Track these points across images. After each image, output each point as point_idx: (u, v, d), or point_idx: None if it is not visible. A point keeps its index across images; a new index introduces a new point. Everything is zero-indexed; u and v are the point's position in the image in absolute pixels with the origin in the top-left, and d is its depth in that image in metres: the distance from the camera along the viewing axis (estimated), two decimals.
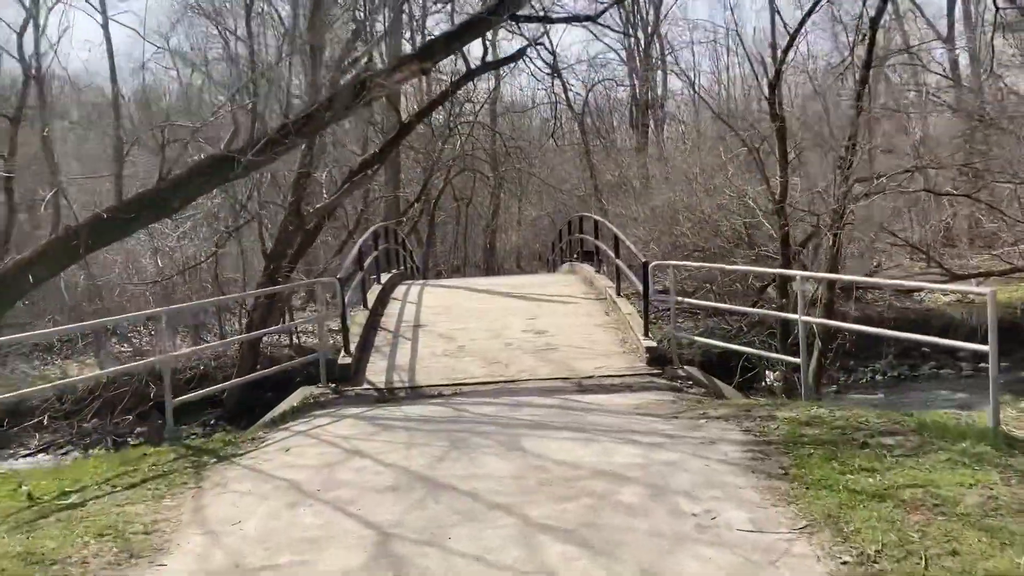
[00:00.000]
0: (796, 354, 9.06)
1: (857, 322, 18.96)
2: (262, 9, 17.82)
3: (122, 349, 21.71)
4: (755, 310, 12.75)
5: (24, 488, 6.16)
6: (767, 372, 12.84)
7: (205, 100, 13.30)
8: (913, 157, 19.41)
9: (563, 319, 12.18)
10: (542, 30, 27.19)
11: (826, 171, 15.86)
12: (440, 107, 28.28)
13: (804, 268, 15.04)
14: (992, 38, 15.72)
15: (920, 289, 20.46)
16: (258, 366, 17.94)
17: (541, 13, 15.65)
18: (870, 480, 5.34)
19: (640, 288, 10.58)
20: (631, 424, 7.26)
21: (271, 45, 15.48)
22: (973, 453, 5.66)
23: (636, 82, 34.81)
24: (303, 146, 17.89)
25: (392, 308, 13.47)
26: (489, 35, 29.36)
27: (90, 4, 17.21)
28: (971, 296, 19.88)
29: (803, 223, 16.28)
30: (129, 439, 17.01)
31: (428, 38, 18.07)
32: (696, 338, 11.69)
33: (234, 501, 5.74)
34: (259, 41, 15.42)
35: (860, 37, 13.69)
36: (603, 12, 17.25)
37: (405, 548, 4.80)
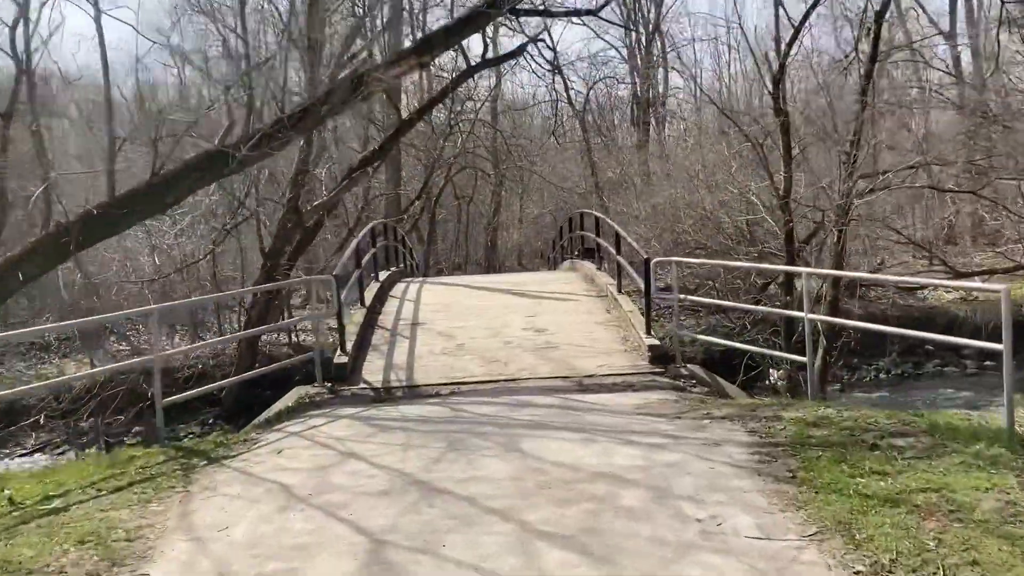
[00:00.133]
0: (800, 352, 8.88)
1: (861, 320, 18.77)
2: (262, 6, 17.72)
3: (120, 347, 21.56)
4: (759, 308, 12.54)
5: (6, 493, 5.97)
6: (771, 370, 12.64)
7: (201, 95, 13.09)
8: (916, 154, 19.21)
9: (564, 317, 11.99)
10: (542, 26, 26.87)
11: (830, 167, 15.67)
12: (441, 105, 28.10)
13: (808, 265, 14.85)
14: (998, 33, 15.49)
15: (928, 286, 20.25)
16: (256, 364, 17.82)
17: (541, 7, 15.44)
18: (881, 484, 5.14)
19: (642, 285, 10.39)
20: (633, 424, 7.07)
21: (270, 43, 15.35)
22: (988, 455, 5.47)
23: (637, 79, 34.61)
24: (301, 142, 17.78)
25: (390, 306, 13.27)
26: (490, 33, 29.26)
27: None
28: (976, 294, 19.76)
29: (806, 220, 16.09)
30: (125, 438, 16.90)
31: (427, 33, 17.84)
32: (699, 336, 11.50)
33: (223, 505, 5.55)
34: (259, 38, 15.33)
35: (865, 31, 13.48)
36: (603, 6, 17.00)
37: (398, 555, 4.61)
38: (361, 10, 19.97)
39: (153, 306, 8.16)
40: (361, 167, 18.68)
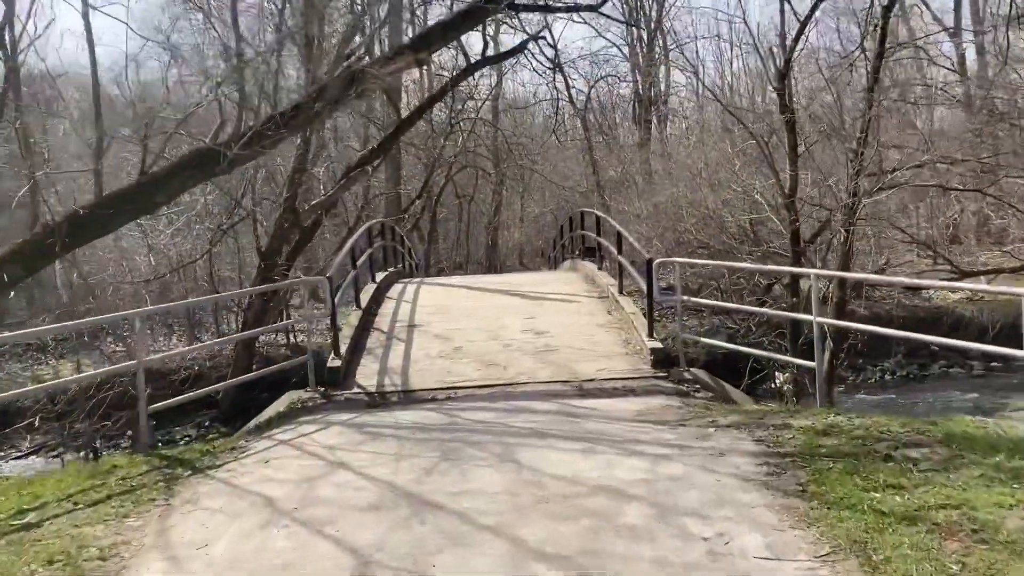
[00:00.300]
0: (807, 355, 8.61)
1: (866, 320, 18.52)
2: (262, 4, 17.44)
3: (116, 349, 21.35)
4: (766, 310, 12.23)
5: None
6: (776, 373, 12.36)
7: (196, 93, 12.81)
8: (922, 152, 18.92)
9: (564, 318, 11.71)
10: (543, 24, 26.61)
11: (835, 165, 15.38)
12: (442, 103, 27.85)
13: (812, 265, 14.56)
14: (1007, 29, 15.19)
15: (943, 289, 19.89)
16: (253, 365, 17.57)
17: (541, 2, 15.16)
18: (897, 499, 4.87)
19: (643, 286, 10.12)
20: (635, 433, 6.80)
21: (269, 41, 15.05)
22: (1009, 468, 5.19)
23: (639, 77, 34.32)
24: (298, 141, 17.51)
25: (387, 307, 13.00)
26: (490, 31, 28.98)
27: None
28: (982, 294, 19.48)
29: (810, 219, 15.81)
30: (121, 441, 16.68)
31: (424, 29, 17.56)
32: (703, 339, 11.19)
33: (204, 520, 5.28)
34: (259, 37, 15.03)
35: (872, 27, 13.19)
36: (604, 2, 16.73)
37: None
38: (360, 7, 19.73)
39: (134, 311, 7.89)
40: (359, 166, 18.41)
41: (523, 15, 27.18)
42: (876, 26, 12.68)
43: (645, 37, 34.51)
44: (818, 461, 5.69)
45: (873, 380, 19.19)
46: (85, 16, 10.48)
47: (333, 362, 9.54)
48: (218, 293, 18.65)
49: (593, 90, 34.75)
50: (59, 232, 8.95)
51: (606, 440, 6.58)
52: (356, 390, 9.07)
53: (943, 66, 26.04)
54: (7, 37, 11.71)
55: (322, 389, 9.14)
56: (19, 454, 16.60)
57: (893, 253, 22.24)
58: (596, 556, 4.43)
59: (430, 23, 22.41)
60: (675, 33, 36.05)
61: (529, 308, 12.54)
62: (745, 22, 25.09)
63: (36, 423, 16.68)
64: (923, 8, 29.80)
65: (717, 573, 4.18)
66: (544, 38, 24.91)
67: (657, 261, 9.95)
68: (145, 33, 13.51)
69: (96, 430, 14.00)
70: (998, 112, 19.05)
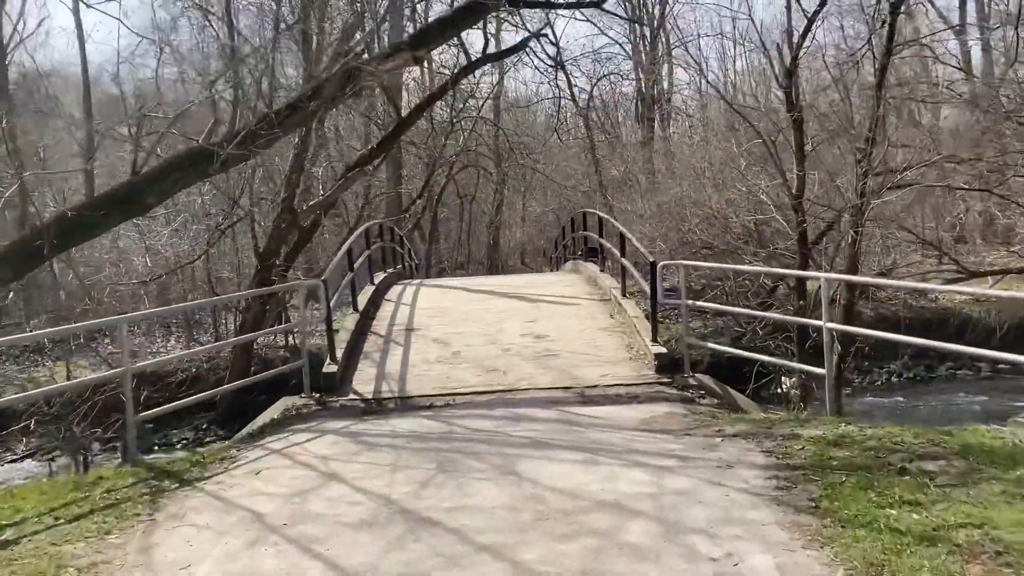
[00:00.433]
0: (813, 357, 8.37)
1: (873, 322, 18.31)
2: (261, 3, 17.21)
3: (113, 351, 21.15)
4: (773, 315, 11.93)
5: None
6: (783, 378, 12.11)
7: (189, 91, 12.58)
8: (928, 151, 18.66)
9: (565, 322, 11.47)
10: (545, 21, 26.37)
11: (843, 165, 15.13)
12: (443, 103, 27.61)
13: (819, 266, 14.31)
14: (1017, 27, 14.91)
15: (956, 293, 19.58)
16: (252, 368, 17.35)
17: None
18: (915, 517, 4.63)
19: (646, 288, 9.88)
20: (639, 443, 6.57)
21: (266, 38, 14.81)
22: None
23: (641, 76, 34.06)
24: (296, 140, 17.28)
25: (385, 310, 12.77)
26: (492, 29, 28.72)
27: None
28: (989, 294, 19.19)
29: (816, 219, 15.56)
30: (117, 444, 16.48)
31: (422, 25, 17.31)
32: (710, 344, 10.94)
33: (189, 538, 5.05)
34: (258, 35, 14.80)
35: (879, 23, 12.93)
36: None
37: None
38: (359, 5, 19.47)
39: (120, 316, 7.67)
40: (359, 165, 18.16)
41: (525, 13, 27.08)
42: (884, 22, 12.42)
43: (648, 35, 34.26)
44: (830, 474, 5.46)
45: (879, 382, 18.97)
46: (76, 12, 10.26)
47: (329, 367, 9.31)
48: (216, 294, 18.43)
49: (595, 88, 34.55)
50: (47, 234, 8.72)
51: (609, 450, 6.35)
52: (352, 396, 8.85)
53: (949, 64, 25.74)
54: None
55: (317, 395, 8.92)
56: (14, 457, 16.40)
57: (899, 253, 22.00)
58: None
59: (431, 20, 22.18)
60: (679, 30, 35.79)
61: (530, 311, 12.30)
62: (751, 18, 24.87)
63: (31, 426, 16.50)
64: (928, 6, 29.52)
65: None
66: (546, 36, 24.60)
67: (662, 264, 9.70)
68: (139, 31, 13.25)
69: (91, 434, 13.74)
70: (1005, 110, 18.80)
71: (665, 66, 34.76)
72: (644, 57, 33.99)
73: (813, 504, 5.00)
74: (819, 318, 7.89)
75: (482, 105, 31.14)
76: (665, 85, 34.99)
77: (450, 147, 29.41)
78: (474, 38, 28.35)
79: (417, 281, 17.26)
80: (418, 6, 25.60)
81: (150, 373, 17.10)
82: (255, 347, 18.64)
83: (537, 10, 26.75)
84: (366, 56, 12.06)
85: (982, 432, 6.29)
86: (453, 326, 11.52)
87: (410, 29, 22.70)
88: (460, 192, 32.82)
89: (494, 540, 4.74)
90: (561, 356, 9.74)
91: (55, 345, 21.52)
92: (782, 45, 13.44)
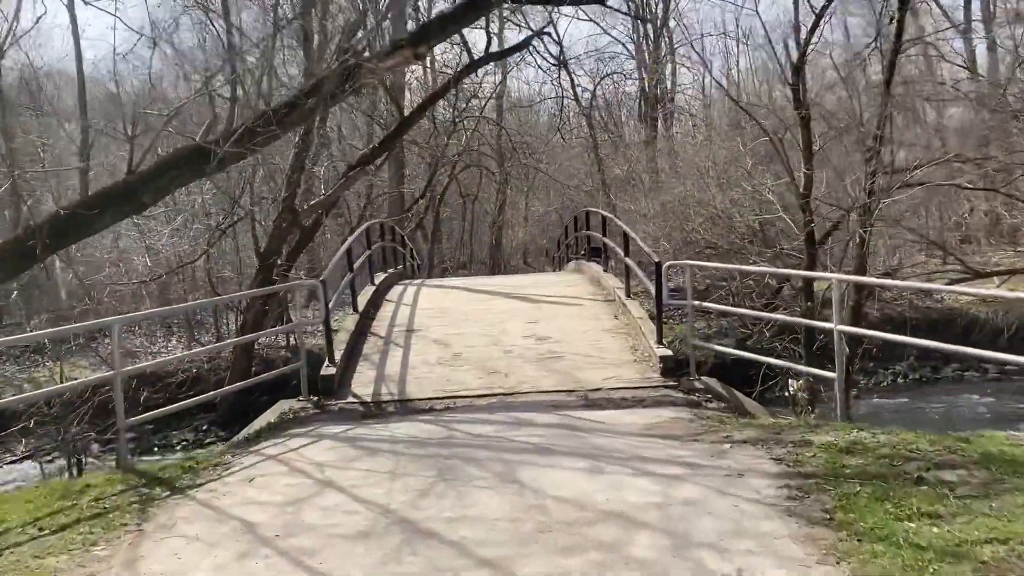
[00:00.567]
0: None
1: (879, 323, 18.07)
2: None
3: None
4: (781, 316, 11.67)
5: None
6: (790, 380, 11.90)
7: (188, 88, 12.37)
8: (933, 150, 18.45)
9: (568, 323, 11.26)
10: (548, 19, 26.18)
11: (848, 164, 14.90)
12: (445, 102, 27.42)
13: (825, 267, 14.09)
14: None
15: (966, 293, 19.34)
16: (252, 368, 17.17)
17: None
18: (935, 531, 4.43)
19: (650, 288, 9.68)
20: (645, 449, 6.37)
21: (265, 34, 14.59)
22: None
23: (645, 75, 33.83)
24: (297, 139, 17.10)
25: (385, 311, 12.57)
26: (494, 28, 28.48)
27: None
28: (997, 294, 18.96)
29: (821, 219, 15.34)
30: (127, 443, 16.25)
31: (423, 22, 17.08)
32: (716, 347, 10.72)
33: (177, 550, 4.86)
34: (259, 31, 14.57)
35: (888, 19, 12.71)
36: None
37: None
38: (361, 2, 19.26)
39: (112, 318, 7.47)
40: (361, 165, 17.96)
41: (528, 12, 26.91)
42: (892, 19, 12.20)
43: (651, 34, 34.03)
44: (843, 484, 5.26)
45: (885, 383, 18.75)
46: (70, 8, 10.04)
47: (327, 370, 9.12)
48: (217, 294, 18.26)
49: (598, 88, 34.32)
50: (40, 233, 8.53)
51: (614, 457, 6.15)
52: (351, 399, 8.66)
53: (954, 63, 25.52)
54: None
55: (315, 398, 8.73)
56: (13, 458, 16.21)
57: (903, 254, 21.78)
58: None
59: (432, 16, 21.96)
60: (685, 28, 35.56)
61: (532, 312, 12.10)
62: (756, 12, 24.51)
63: (31, 427, 16.33)
64: (932, 4, 29.26)
65: None
66: (549, 34, 24.46)
67: (667, 264, 9.49)
68: (136, 26, 12.99)
69: (89, 435, 13.54)
70: (1011, 110, 18.59)
71: (668, 65, 34.52)
72: (647, 56, 33.76)
73: (827, 516, 4.80)
74: (828, 319, 7.68)
75: (485, 104, 30.96)
76: (668, 85, 34.77)
77: (453, 147, 29.24)
78: (477, 37, 28.24)
79: (418, 281, 17.06)
80: (420, 3, 25.36)
81: (150, 374, 16.94)
82: (256, 347, 18.48)
83: (540, 9, 26.65)
84: (367, 53, 11.83)
85: (1000, 439, 6.08)
86: (454, 327, 11.33)
87: (412, 27, 22.48)
88: (463, 192, 32.65)
89: (495, 553, 4.55)
90: (564, 358, 9.55)
91: (55, 345, 21.43)
92: (789, 41, 13.22)
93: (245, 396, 14.18)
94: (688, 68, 35.27)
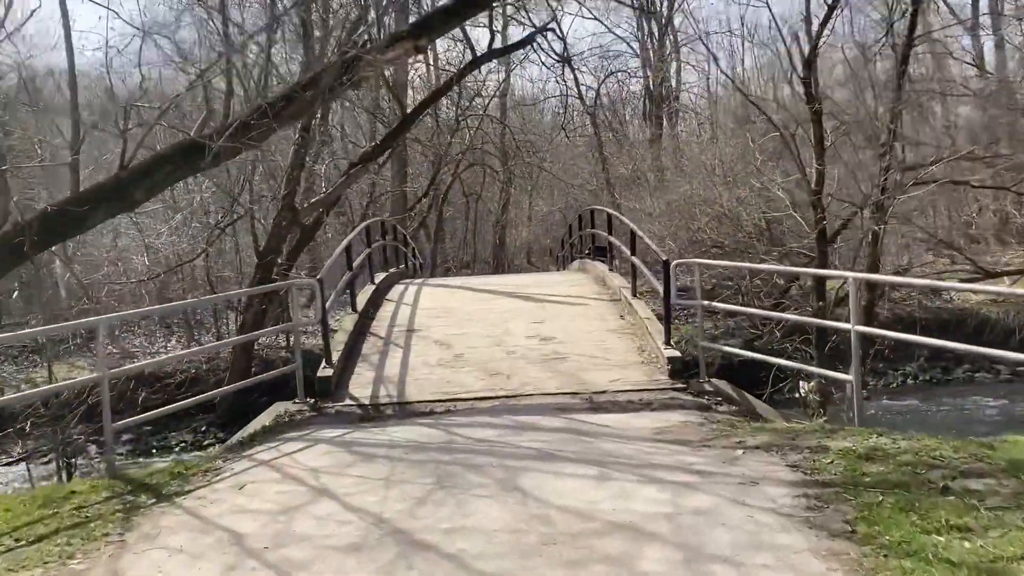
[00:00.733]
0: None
1: (890, 323, 17.76)
2: None
3: (112, 351, 20.80)
4: (794, 316, 11.34)
5: None
6: (801, 382, 11.59)
7: (183, 81, 12.09)
8: (943, 149, 18.13)
9: (573, 323, 10.97)
10: (551, 15, 25.89)
11: (858, 161, 14.59)
12: (449, 100, 27.17)
13: (833, 266, 13.79)
14: None
15: (983, 291, 19.05)
16: (252, 369, 16.93)
17: None
18: (966, 545, 4.14)
19: (657, 287, 9.39)
20: (653, 455, 6.09)
21: (262, 26, 14.32)
22: None
23: (649, 73, 33.53)
24: (296, 136, 16.85)
25: (385, 311, 12.30)
26: (498, 25, 28.24)
27: None
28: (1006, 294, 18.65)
29: (832, 216, 15.03)
30: (115, 446, 16.01)
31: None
32: (727, 348, 10.43)
33: (159, 563, 4.59)
34: (257, 23, 14.30)
35: (901, 13, 12.42)
36: None
37: None
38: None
39: (99, 317, 7.20)
40: (362, 162, 17.70)
41: (531, 9, 26.62)
42: (905, 12, 11.90)
43: (656, 32, 33.74)
44: (865, 493, 4.97)
45: (895, 384, 18.42)
46: (62, 1, 9.78)
47: (324, 371, 8.85)
48: (215, 293, 18.03)
49: (602, 86, 34.03)
50: (29, 230, 8.28)
51: (621, 464, 5.87)
52: (348, 402, 8.40)
53: (964, 60, 25.22)
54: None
55: (312, 400, 8.46)
56: (9, 460, 15.98)
57: (912, 252, 21.47)
58: None
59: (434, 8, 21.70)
60: (693, 19, 35.19)
61: (536, 311, 11.81)
62: (767, 5, 23.91)
63: (27, 428, 16.10)
64: (940, 3, 28.93)
65: None
66: (553, 30, 24.20)
67: (676, 263, 9.20)
68: (129, 18, 12.74)
69: (80, 437, 13.29)
70: (1021, 107, 18.32)
71: (673, 64, 34.21)
72: (652, 54, 33.46)
73: (849, 528, 4.51)
74: (840, 318, 7.39)
75: (488, 103, 30.73)
76: (673, 83, 34.47)
77: (456, 145, 29.03)
78: (480, 35, 27.98)
79: (420, 280, 16.78)
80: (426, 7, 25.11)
81: (148, 374, 16.72)
82: (256, 347, 18.24)
83: (543, 6, 26.36)
84: (367, 46, 11.57)
85: None
86: (456, 327, 11.05)
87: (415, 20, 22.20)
88: (466, 191, 32.43)
89: (495, 568, 4.27)
90: (569, 359, 9.27)
91: (49, 345, 21.21)
92: (800, 34, 12.90)
93: (245, 396, 13.95)
94: (693, 66, 34.98)
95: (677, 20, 33.81)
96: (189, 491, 5.84)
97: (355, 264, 11.87)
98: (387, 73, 20.89)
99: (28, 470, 12.16)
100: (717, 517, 4.77)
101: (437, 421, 7.50)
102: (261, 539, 4.84)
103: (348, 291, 11.57)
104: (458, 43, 27.72)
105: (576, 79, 32.28)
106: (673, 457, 6.00)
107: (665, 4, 33.45)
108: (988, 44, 28.71)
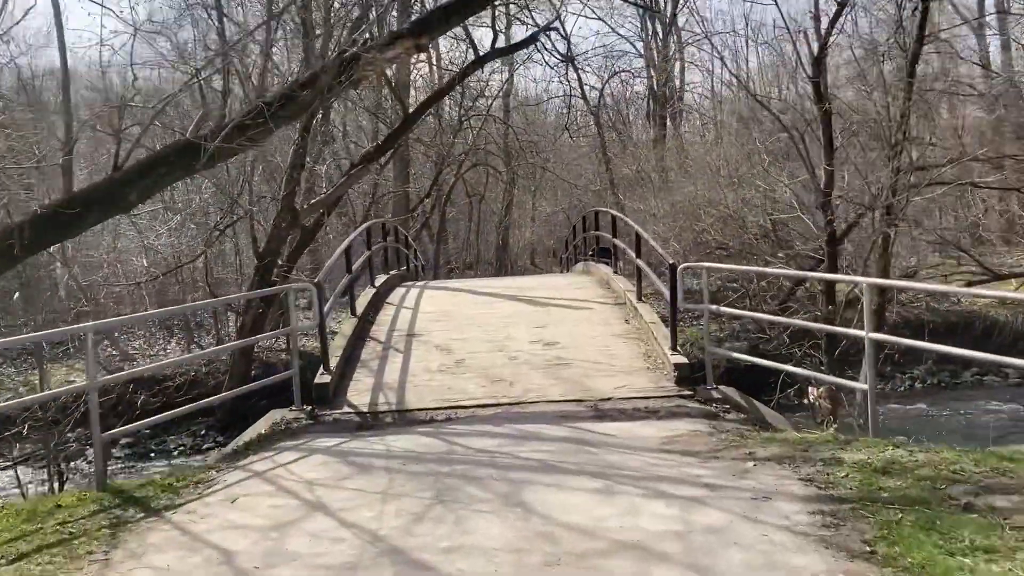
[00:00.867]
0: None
1: (898, 327, 17.54)
2: None
3: (111, 353, 20.65)
4: (804, 322, 11.07)
5: None
6: (810, 388, 11.35)
7: (179, 81, 11.89)
8: (952, 150, 17.90)
9: (576, 328, 10.74)
10: (555, 14, 25.63)
11: (869, 162, 14.35)
12: (452, 101, 26.95)
13: (840, 268, 13.54)
14: None
15: (1000, 296, 18.76)
16: (252, 373, 16.74)
17: None
18: (995, 569, 3.91)
19: (662, 290, 9.16)
20: (661, 467, 5.87)
21: (262, 24, 14.13)
22: None
23: (653, 73, 33.31)
24: (296, 136, 16.63)
25: (386, 314, 12.08)
26: (501, 25, 28.03)
27: None
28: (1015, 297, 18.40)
29: (839, 218, 14.80)
30: (113, 450, 15.89)
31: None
32: (734, 354, 10.18)
33: None
34: (255, 22, 14.12)
35: (911, 10, 12.19)
36: None
37: None
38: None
39: (86, 324, 7.00)
40: (363, 163, 17.49)
41: (534, 7, 26.40)
42: (915, 9, 11.67)
43: (660, 31, 33.52)
44: (883, 510, 4.75)
45: (903, 388, 18.16)
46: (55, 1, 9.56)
47: (321, 377, 8.63)
48: (215, 295, 17.84)
49: (606, 87, 33.80)
50: (19, 234, 8.06)
51: (627, 476, 5.65)
52: (346, 409, 8.18)
53: (971, 60, 24.97)
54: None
55: (309, 408, 8.24)
56: (4, 464, 15.78)
57: (918, 255, 21.23)
58: None
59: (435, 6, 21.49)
60: (699, 15, 34.91)
61: (539, 315, 11.59)
62: (776, 2, 23.54)
63: (24, 431, 15.91)
64: (947, 3, 28.68)
65: None
66: (556, 29, 23.96)
67: (683, 266, 8.97)
68: (122, 16, 12.51)
69: (71, 445, 13.08)
70: None
71: (677, 64, 33.99)
72: (656, 54, 33.24)
73: (868, 548, 4.28)
74: (850, 322, 7.17)
75: (491, 103, 30.51)
76: (677, 83, 34.25)
77: (459, 145, 28.82)
78: (483, 35, 27.78)
79: (421, 283, 16.57)
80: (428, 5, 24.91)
81: (147, 377, 16.53)
82: (256, 350, 18.05)
83: (546, 5, 26.15)
84: (369, 45, 11.35)
85: None
86: (457, 331, 10.83)
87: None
88: (469, 191, 32.20)
89: None
90: (573, 365, 9.05)
91: (53, 347, 21.03)
92: (809, 31, 12.66)
93: (244, 399, 13.73)
94: (697, 66, 34.74)
95: (681, 19, 33.57)
96: (179, 505, 5.63)
97: (355, 266, 11.65)
98: (389, 73, 20.70)
99: (17, 477, 11.91)
100: (729, 535, 4.55)
101: (437, 430, 7.29)
102: (251, 558, 4.62)
103: (348, 294, 11.35)
104: (461, 43, 27.54)
105: (580, 79, 32.04)
106: (681, 469, 5.78)
107: (669, 3, 33.25)
108: (994, 44, 28.54)
